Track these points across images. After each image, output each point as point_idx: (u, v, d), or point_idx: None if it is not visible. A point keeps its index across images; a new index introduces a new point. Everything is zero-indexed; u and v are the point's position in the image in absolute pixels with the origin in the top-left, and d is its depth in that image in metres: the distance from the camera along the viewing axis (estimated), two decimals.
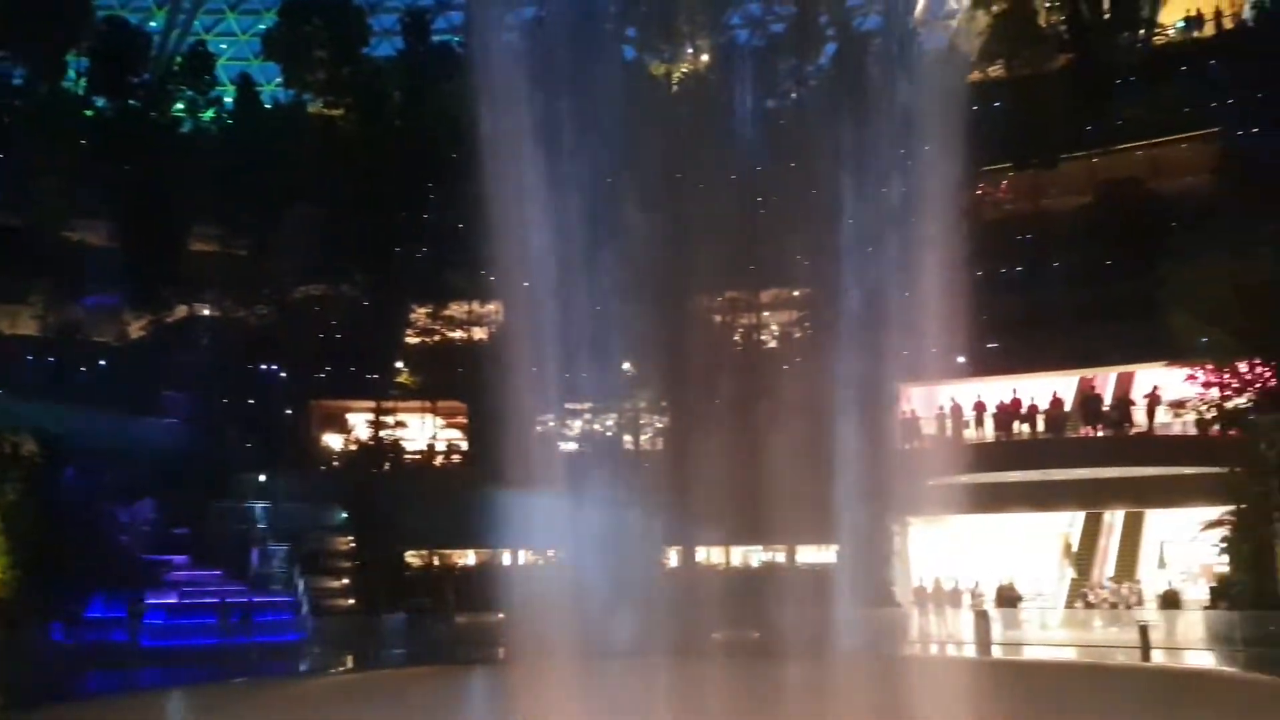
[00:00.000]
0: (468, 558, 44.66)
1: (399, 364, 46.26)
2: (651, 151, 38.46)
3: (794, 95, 44.81)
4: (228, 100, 55.34)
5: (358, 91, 50.68)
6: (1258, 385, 33.27)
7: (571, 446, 43.60)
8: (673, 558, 42.62)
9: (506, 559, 43.32)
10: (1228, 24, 46.01)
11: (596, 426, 43.94)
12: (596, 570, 37.30)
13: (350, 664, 35.17)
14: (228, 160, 46.21)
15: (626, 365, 42.59)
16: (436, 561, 43.62)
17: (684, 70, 51.20)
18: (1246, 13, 45.69)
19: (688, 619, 33.87)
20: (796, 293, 43.73)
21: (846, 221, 41.31)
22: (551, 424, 43.15)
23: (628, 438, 44.22)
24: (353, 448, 46.22)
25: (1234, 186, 36.11)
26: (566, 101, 38.95)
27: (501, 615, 36.99)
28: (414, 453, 46.00)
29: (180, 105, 52.97)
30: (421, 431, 46.95)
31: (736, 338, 44.55)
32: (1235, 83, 39.23)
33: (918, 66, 43.05)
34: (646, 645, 31.51)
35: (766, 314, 45.01)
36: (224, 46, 67.67)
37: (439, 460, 46.06)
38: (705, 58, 51.17)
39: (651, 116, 38.92)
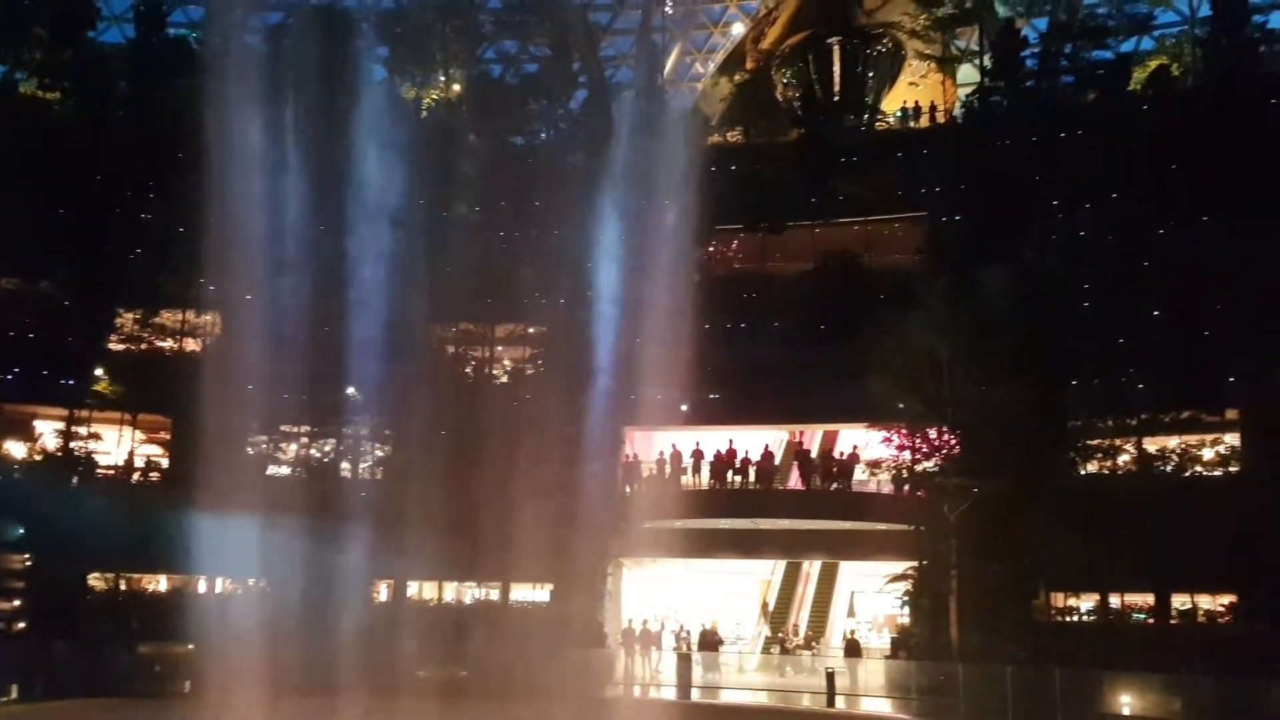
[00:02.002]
0: (159, 583, 41.88)
1: (98, 371, 42.99)
2: (391, 174, 37.89)
3: (542, 135, 45.22)
4: None
5: (79, 76, 47.21)
6: (944, 451, 35.95)
7: (284, 471, 41.93)
8: (383, 591, 41.59)
9: (202, 586, 40.96)
10: (940, 118, 50.21)
11: (314, 451, 42.40)
12: (299, 602, 35.99)
13: (14, 695, 32.07)
14: None
15: (351, 390, 41.46)
16: (124, 586, 40.63)
17: (435, 97, 50.77)
18: (957, 110, 49.99)
19: (393, 655, 33.11)
20: (531, 330, 43.91)
21: (585, 264, 42.23)
22: (264, 446, 41.40)
23: (346, 465, 42.90)
24: (38, 458, 42.53)
25: (935, 267, 39.15)
26: (304, 113, 37.93)
27: (191, 646, 34.85)
28: (108, 467, 42.80)
29: None
30: (118, 445, 43.76)
31: (468, 370, 44.24)
32: (942, 172, 42.64)
33: (662, 123, 44.46)
34: (345, 682, 30.55)
35: (500, 349, 44.88)
36: None
37: (136, 477, 43.02)
38: (456, 87, 50.93)
39: (394, 139, 38.27)
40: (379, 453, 42.75)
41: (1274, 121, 37.75)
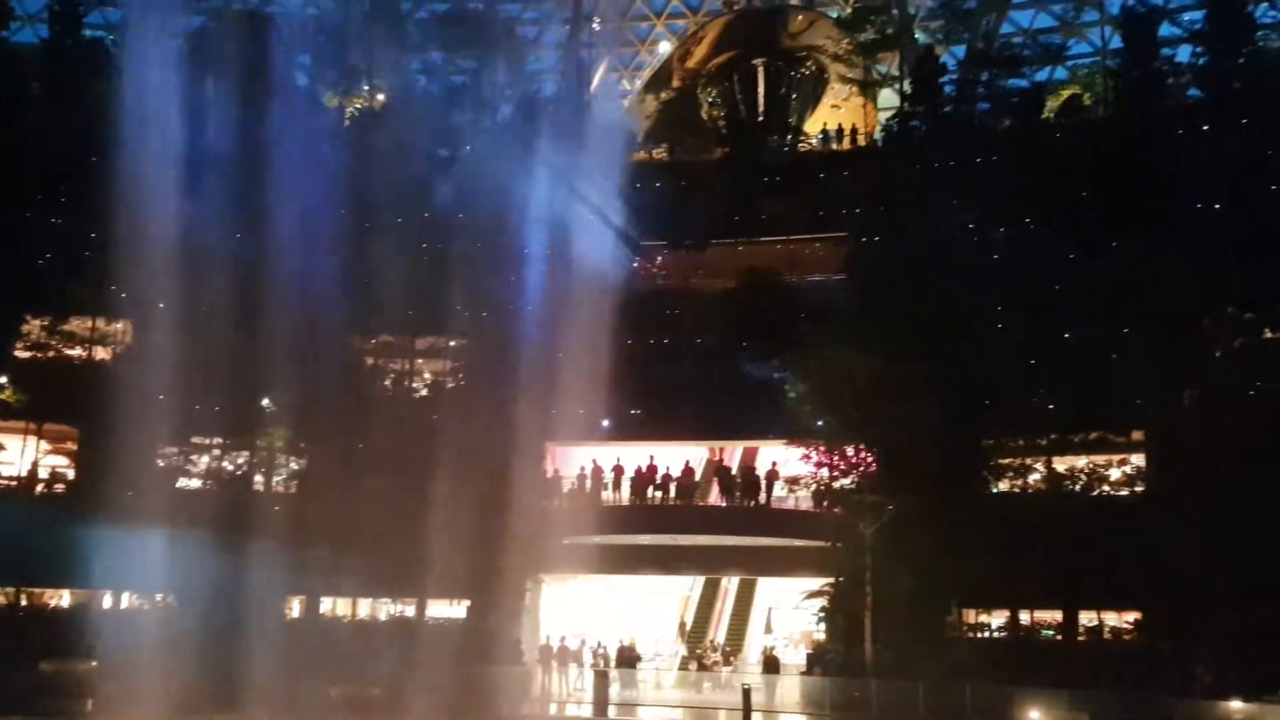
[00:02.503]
0: (61, 598, 40.64)
1: (2, 379, 41.67)
2: (311, 182, 37.42)
3: (467, 148, 44.96)
4: None
5: None
6: (861, 469, 36.37)
7: (195, 483, 41.03)
8: (295, 607, 40.82)
9: (107, 601, 39.84)
10: (861, 140, 51.06)
11: (226, 464, 41.55)
12: (209, 618, 35.20)
13: None
14: None
15: (265, 401, 40.73)
16: (24, 601, 39.35)
17: (358, 106, 50.28)
18: (877, 133, 50.88)
19: (305, 672, 32.49)
20: (452, 343, 43.55)
21: (508, 279, 42.09)
22: (175, 458, 40.45)
23: (259, 478, 42.11)
24: None
25: (854, 286, 39.71)
26: (221, 118, 37.30)
27: (95, 663, 33.89)
28: (9, 478, 41.50)
29: None
30: (21, 455, 42.43)
31: (387, 383, 43.70)
32: (862, 193, 43.32)
33: (588, 138, 44.53)
34: (254, 700, 29.95)
35: (420, 362, 44.43)
36: None
37: (39, 488, 41.75)
38: (381, 97, 50.49)
39: (314, 146, 37.83)
40: (294, 466, 42.02)
41: (1180, 151, 38.88)
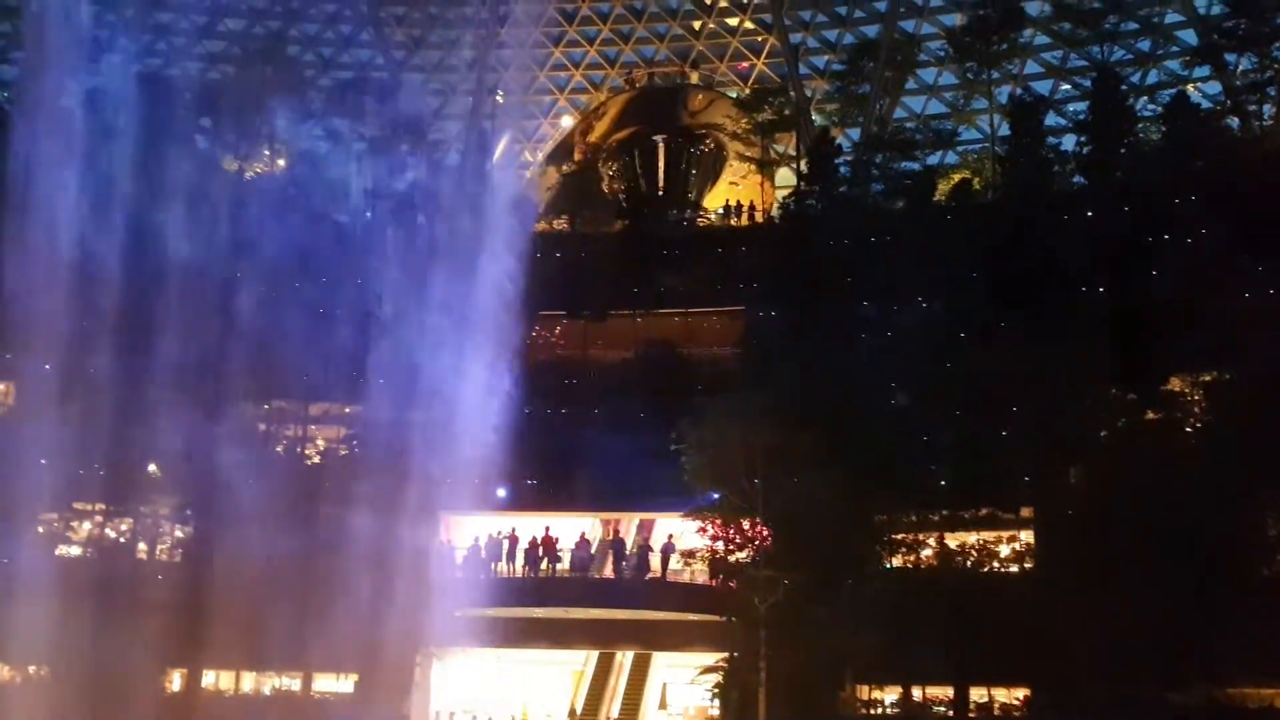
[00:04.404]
0: None
1: None
2: (206, 244, 36.92)
3: (367, 214, 44.84)
4: None
5: None
6: (756, 542, 36.49)
7: (75, 550, 39.61)
8: (176, 680, 39.39)
9: None
10: (759, 217, 52.18)
11: (108, 531, 40.20)
12: (85, 691, 33.76)
13: None
14: None
15: (151, 467, 39.62)
16: None
17: (258, 170, 49.88)
18: (775, 210, 52.08)
19: None
20: (346, 409, 42.95)
21: (404, 343, 41.71)
22: (54, 524, 39.03)
23: (143, 546, 40.78)
24: None
25: (750, 361, 40.23)
26: (115, 177, 36.66)
27: None
28: None
29: None
30: None
31: (279, 449, 42.84)
32: (759, 268, 44.14)
33: (488, 206, 44.65)
34: None
35: (314, 427, 43.69)
36: None
37: None
38: (282, 161, 50.17)
39: (210, 208, 37.36)
40: (178, 533, 40.80)
41: (1064, 235, 40.35)
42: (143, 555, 40.45)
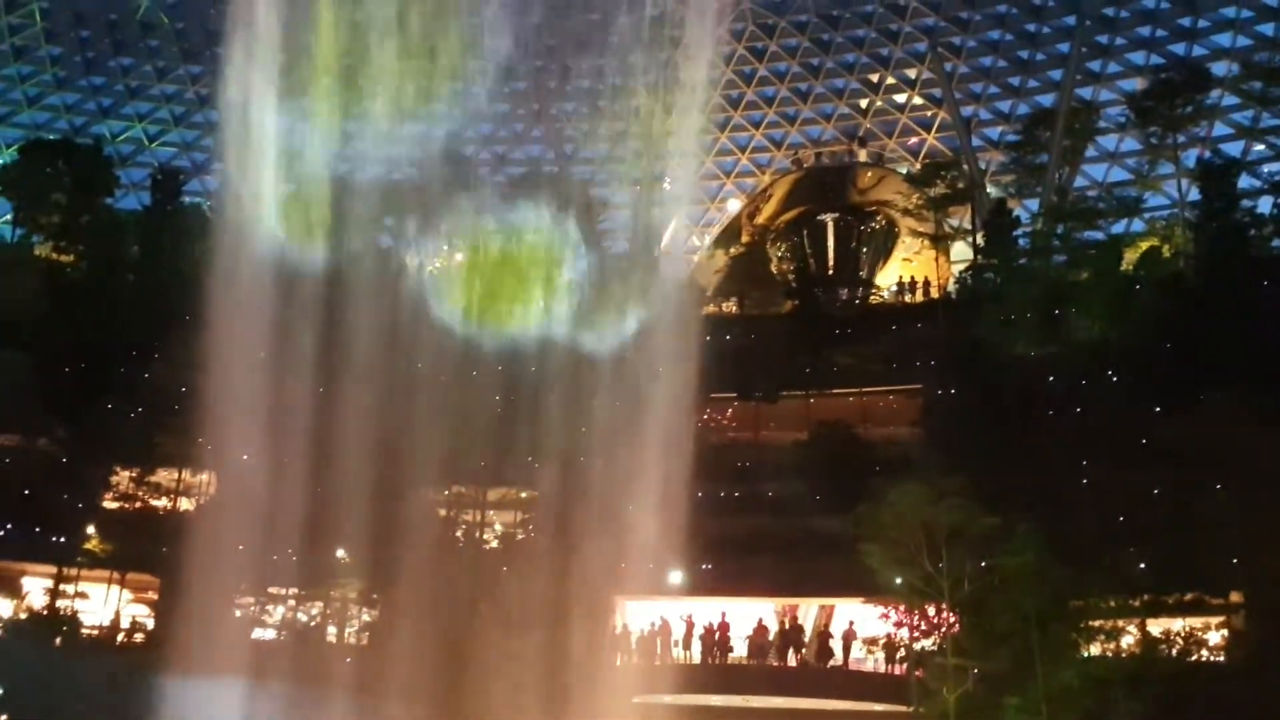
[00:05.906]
0: None
1: (90, 529, 42.65)
2: (389, 341, 38.38)
3: (541, 304, 45.97)
4: None
5: (93, 240, 48.55)
6: (942, 629, 35.03)
7: (269, 634, 41.14)
8: None
9: None
10: (934, 293, 51.08)
11: (300, 615, 41.68)
12: None
13: None
14: None
15: (340, 552, 40.98)
16: None
17: (439, 264, 51.88)
18: (951, 285, 50.89)
19: None
20: (524, 494, 43.68)
21: (579, 430, 42.26)
22: (252, 608, 40.73)
23: (332, 629, 42.08)
24: (23, 616, 41.80)
25: (930, 439, 39.07)
26: (309, 281, 38.72)
27: None
28: (92, 626, 42.03)
29: None
30: (105, 604, 43.06)
31: (458, 534, 43.79)
32: (936, 345, 43.07)
33: (659, 293, 45.20)
34: None
35: (491, 513, 44.57)
36: None
37: (120, 638, 42.19)
38: (460, 257, 52.07)
39: (393, 306, 38.98)
40: (365, 617, 41.95)
41: (1265, 302, 38.17)
42: (331, 638, 41.64)
